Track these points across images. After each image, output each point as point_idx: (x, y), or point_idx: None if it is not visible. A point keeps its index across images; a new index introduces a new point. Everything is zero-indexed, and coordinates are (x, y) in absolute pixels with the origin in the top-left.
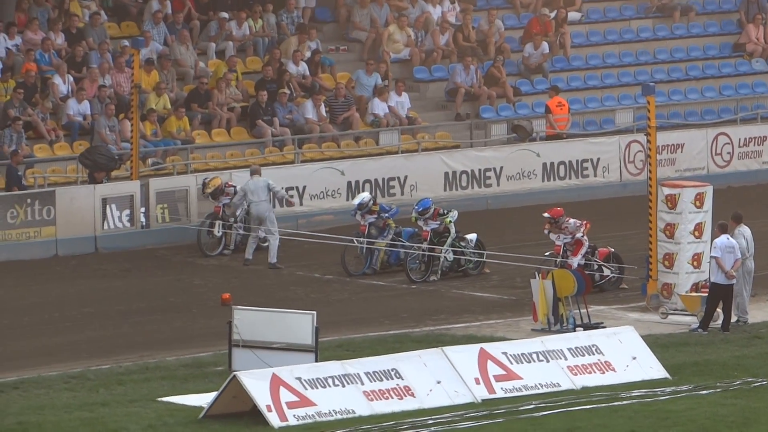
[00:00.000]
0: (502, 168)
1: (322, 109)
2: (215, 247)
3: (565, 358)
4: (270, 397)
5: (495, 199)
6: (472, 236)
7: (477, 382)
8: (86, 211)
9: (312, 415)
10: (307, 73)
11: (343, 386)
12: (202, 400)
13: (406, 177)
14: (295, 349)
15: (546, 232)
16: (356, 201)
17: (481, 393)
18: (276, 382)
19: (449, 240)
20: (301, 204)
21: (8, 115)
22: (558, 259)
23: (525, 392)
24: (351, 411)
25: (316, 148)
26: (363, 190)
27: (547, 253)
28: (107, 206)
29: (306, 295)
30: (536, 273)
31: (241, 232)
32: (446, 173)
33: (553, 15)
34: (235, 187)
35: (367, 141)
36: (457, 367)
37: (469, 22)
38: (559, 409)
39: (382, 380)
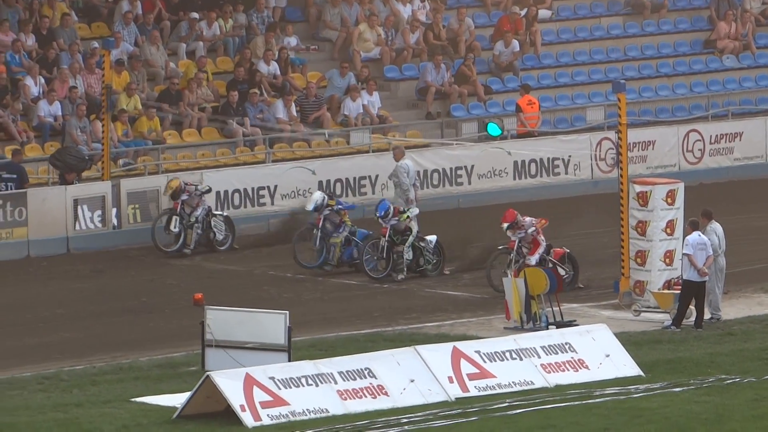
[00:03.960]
0: (473, 166)
1: (293, 108)
2: (172, 244)
3: (539, 356)
4: (244, 396)
5: (466, 198)
6: (432, 237)
7: (450, 380)
8: (58, 212)
9: (286, 414)
10: (278, 72)
11: (317, 386)
12: (176, 400)
13: (377, 176)
14: (268, 348)
15: (505, 227)
16: (310, 206)
17: (454, 391)
18: (249, 382)
19: (410, 239)
20: (272, 204)
21: None
22: (511, 255)
23: (499, 390)
24: (325, 410)
25: (287, 147)
26: (330, 190)
27: (500, 247)
28: (79, 207)
29: (278, 294)
30: (507, 271)
31: (199, 231)
32: (417, 172)
33: (523, 13)
34: (196, 186)
35: (338, 141)
36: (430, 366)
37: (440, 21)
38: (533, 407)
39: (355, 379)
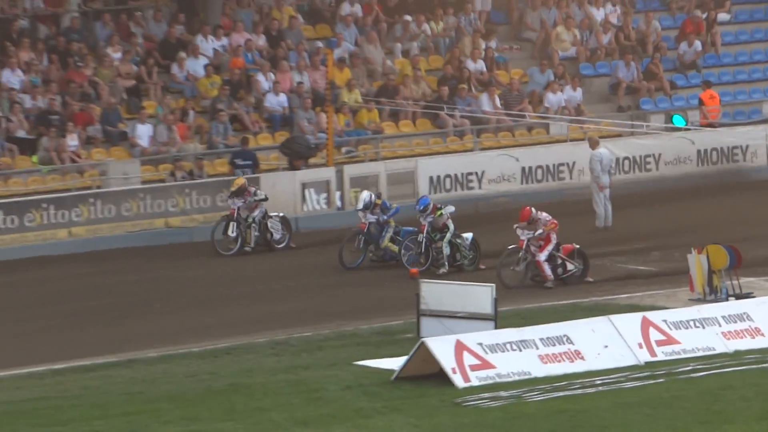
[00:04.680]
0: (660, 154)
1: (497, 101)
2: (231, 248)
3: (719, 325)
4: (455, 360)
5: (655, 184)
6: (468, 235)
7: (640, 346)
8: (287, 195)
9: (492, 376)
10: (485, 69)
11: (520, 351)
12: (394, 363)
13: (574, 163)
14: (477, 317)
15: (515, 227)
16: (360, 205)
17: (644, 356)
18: (460, 347)
19: (448, 235)
20: (480, 188)
21: (215, 109)
22: (521, 254)
23: (683, 355)
24: (527, 373)
25: (492, 137)
26: (536, 175)
27: (510, 247)
28: (306, 190)
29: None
30: (516, 269)
31: (256, 233)
32: (612, 159)
33: (704, 16)
34: (255, 191)
35: (539, 131)
36: (622, 333)
37: (630, 23)
38: (714, 370)
39: (554, 345)
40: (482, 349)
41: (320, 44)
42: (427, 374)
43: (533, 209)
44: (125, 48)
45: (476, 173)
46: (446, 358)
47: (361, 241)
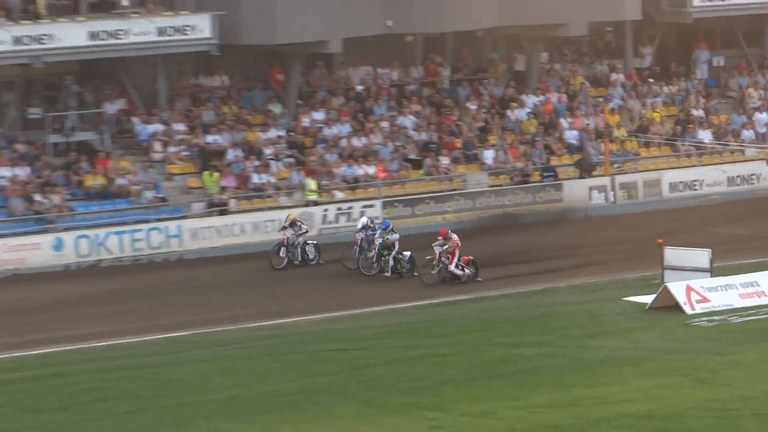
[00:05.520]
0: None
1: (711, 135)
2: (280, 264)
3: None
4: (685, 296)
5: None
6: (407, 253)
7: None
8: (580, 195)
9: (709, 307)
10: (703, 115)
11: (726, 290)
12: (647, 299)
13: (760, 174)
14: (699, 270)
15: (433, 244)
16: (359, 225)
17: None
18: (688, 289)
19: (393, 252)
20: (701, 189)
21: (534, 140)
22: (434, 262)
23: None
24: (731, 305)
25: (708, 157)
26: (735, 182)
27: (427, 258)
28: (591, 191)
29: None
30: (432, 273)
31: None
32: None
33: None
34: (300, 225)
35: (737, 153)
36: None
37: None
38: None
39: (748, 287)
40: (703, 289)
41: (600, 99)
42: (668, 305)
43: (449, 230)
44: (478, 103)
45: (698, 180)
46: (680, 296)
47: (356, 251)
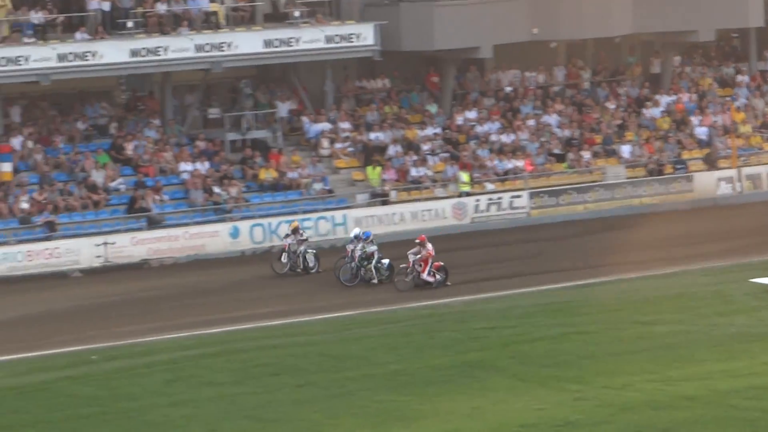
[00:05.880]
0: None
1: None
2: (282, 269)
3: None
4: None
5: None
6: (386, 260)
7: None
8: (709, 186)
9: None
10: None
11: None
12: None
13: None
14: None
15: (407, 252)
16: (351, 235)
17: None
18: None
19: (373, 261)
20: None
21: (666, 136)
22: (408, 270)
23: None
24: None
25: None
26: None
27: (402, 266)
28: (719, 182)
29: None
30: (405, 280)
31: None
32: None
33: None
34: (302, 233)
35: None
36: None
37: None
38: None
39: None
40: None
41: (727, 99)
42: None
43: (425, 238)
44: (616, 102)
45: None
46: None
47: (348, 261)
